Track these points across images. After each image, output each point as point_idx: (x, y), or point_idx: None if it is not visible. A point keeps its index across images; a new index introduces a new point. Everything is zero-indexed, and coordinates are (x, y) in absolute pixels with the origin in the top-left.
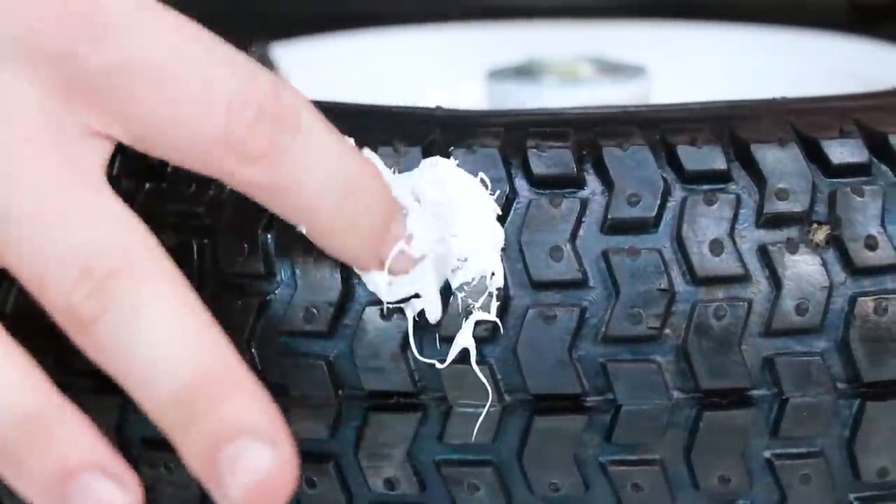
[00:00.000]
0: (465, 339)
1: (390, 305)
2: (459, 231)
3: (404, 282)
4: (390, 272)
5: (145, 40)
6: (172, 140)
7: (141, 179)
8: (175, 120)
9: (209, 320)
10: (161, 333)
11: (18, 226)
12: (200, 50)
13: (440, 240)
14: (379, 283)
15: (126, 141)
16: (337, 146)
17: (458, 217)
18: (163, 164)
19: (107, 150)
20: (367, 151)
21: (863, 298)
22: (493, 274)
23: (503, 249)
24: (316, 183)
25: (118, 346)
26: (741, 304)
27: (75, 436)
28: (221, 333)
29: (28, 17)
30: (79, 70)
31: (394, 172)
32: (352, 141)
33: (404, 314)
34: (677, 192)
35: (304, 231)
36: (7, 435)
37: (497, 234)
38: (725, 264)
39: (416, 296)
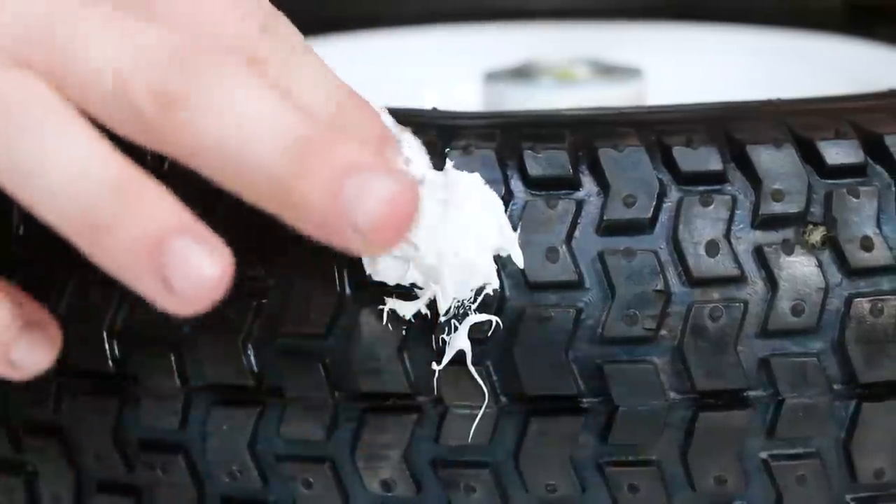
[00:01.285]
0: (460, 340)
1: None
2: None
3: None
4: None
5: None
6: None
7: None
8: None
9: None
10: (256, 102)
11: (92, 34)
12: None
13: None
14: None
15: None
16: (330, 72)
17: (467, 216)
18: (159, 161)
19: None
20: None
21: (858, 299)
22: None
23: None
24: (313, 93)
25: (214, 118)
26: (737, 305)
27: (163, 202)
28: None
29: None
30: None
31: None
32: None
33: (402, 315)
34: (673, 194)
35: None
36: (98, 203)
37: (507, 235)
38: (721, 265)
39: (415, 296)
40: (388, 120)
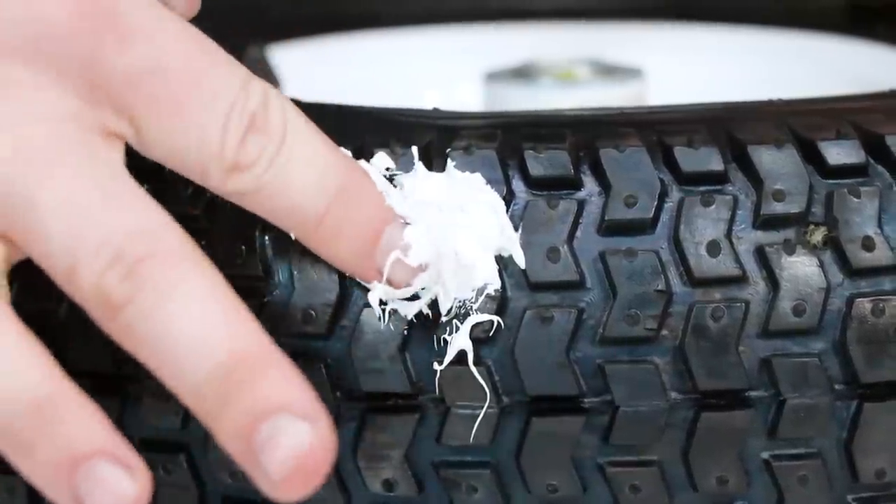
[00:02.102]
0: (462, 340)
1: (396, 301)
2: (467, 235)
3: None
4: (389, 282)
5: (165, 46)
6: (174, 145)
7: (138, 181)
8: (181, 126)
9: (238, 302)
10: (193, 315)
11: (47, 214)
12: (207, 59)
13: (446, 245)
14: (378, 296)
15: (133, 142)
16: (324, 153)
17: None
18: (160, 165)
19: (122, 148)
20: (363, 163)
21: (860, 299)
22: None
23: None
24: (302, 188)
25: (150, 329)
26: (738, 305)
27: (84, 422)
28: (251, 315)
29: (50, 16)
30: (104, 71)
31: (394, 185)
32: (348, 152)
33: (403, 315)
34: (674, 194)
35: (296, 239)
36: (17, 422)
37: (508, 235)
38: (722, 265)
39: (417, 296)
40: (400, 198)
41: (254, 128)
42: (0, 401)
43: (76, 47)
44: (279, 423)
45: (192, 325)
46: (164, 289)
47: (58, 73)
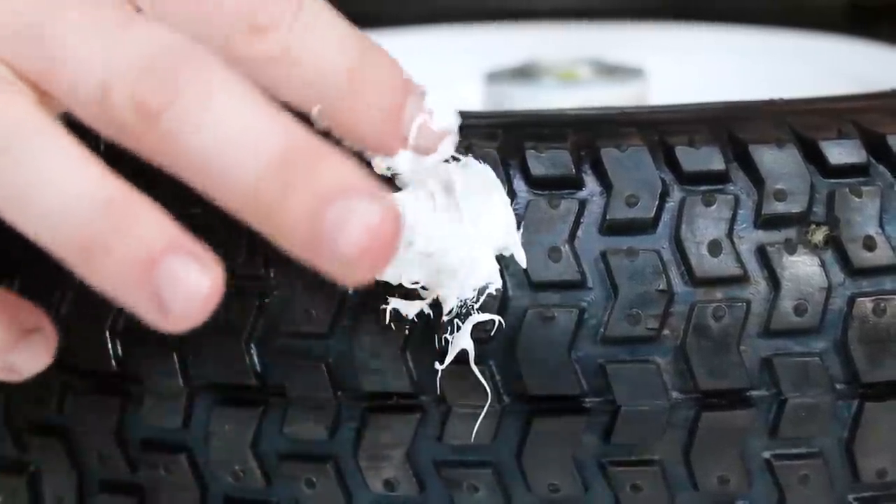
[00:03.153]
0: (463, 339)
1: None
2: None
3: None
4: (414, 151)
5: None
6: (193, 15)
7: (137, 183)
8: None
9: (278, 105)
10: (242, 112)
11: (68, 40)
12: None
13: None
14: (404, 166)
15: (151, 13)
16: (340, 20)
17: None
18: (159, 167)
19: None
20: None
21: (861, 299)
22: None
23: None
24: (325, 52)
25: (196, 133)
26: (740, 304)
27: (155, 219)
28: (293, 116)
29: None
30: None
31: (395, 184)
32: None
33: (405, 315)
34: (675, 193)
35: (318, 116)
36: (90, 224)
37: (511, 233)
38: (724, 265)
39: (418, 296)
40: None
41: None
42: (66, 206)
43: None
44: (348, 203)
45: (241, 122)
46: (205, 89)
47: None
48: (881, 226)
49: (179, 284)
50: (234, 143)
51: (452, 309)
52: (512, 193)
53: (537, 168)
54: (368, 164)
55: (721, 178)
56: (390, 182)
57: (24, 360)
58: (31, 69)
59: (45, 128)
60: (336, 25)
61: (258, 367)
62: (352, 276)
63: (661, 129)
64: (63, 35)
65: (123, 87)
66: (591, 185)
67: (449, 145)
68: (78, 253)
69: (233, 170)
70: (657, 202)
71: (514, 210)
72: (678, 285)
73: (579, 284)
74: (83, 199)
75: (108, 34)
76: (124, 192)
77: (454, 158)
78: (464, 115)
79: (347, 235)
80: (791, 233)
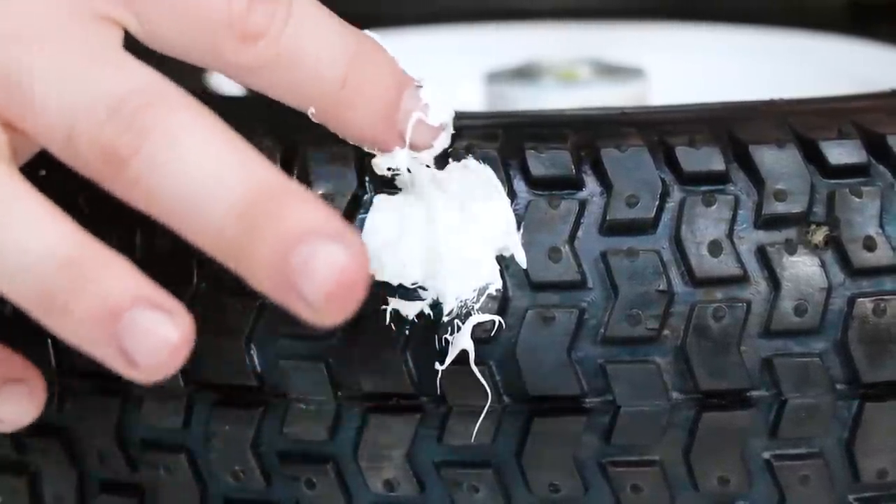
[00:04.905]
0: (463, 340)
1: (397, 301)
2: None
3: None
4: (412, 147)
5: None
6: (180, 25)
7: None
8: (184, 4)
9: (245, 143)
10: (208, 154)
11: (40, 82)
12: None
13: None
14: (401, 162)
15: (136, 31)
16: (332, 19)
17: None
18: None
19: (119, 35)
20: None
21: (861, 299)
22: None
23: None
24: (318, 55)
25: (163, 177)
26: (740, 305)
27: (116, 273)
28: (260, 154)
29: None
30: None
31: (396, 185)
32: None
33: (405, 315)
34: (676, 194)
35: (314, 115)
36: (51, 281)
37: (511, 234)
38: (724, 265)
39: (418, 296)
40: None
41: None
42: (29, 264)
43: None
44: (312, 246)
45: (206, 166)
46: (171, 133)
47: None
48: (881, 226)
49: (145, 337)
50: (199, 188)
51: (452, 309)
52: (512, 194)
53: (537, 168)
54: (370, 158)
55: (721, 178)
56: (392, 181)
57: (7, 411)
58: (4, 110)
59: (7, 182)
60: (327, 25)
61: (258, 368)
62: (322, 319)
63: (661, 129)
64: (31, 79)
65: (89, 132)
66: (592, 185)
67: (445, 139)
68: (40, 309)
69: (200, 214)
70: (657, 202)
71: (514, 210)
72: (678, 285)
73: (579, 285)
74: (43, 258)
75: (76, 76)
76: (86, 249)
77: (454, 159)
78: (464, 115)
79: (312, 280)
80: (791, 233)
